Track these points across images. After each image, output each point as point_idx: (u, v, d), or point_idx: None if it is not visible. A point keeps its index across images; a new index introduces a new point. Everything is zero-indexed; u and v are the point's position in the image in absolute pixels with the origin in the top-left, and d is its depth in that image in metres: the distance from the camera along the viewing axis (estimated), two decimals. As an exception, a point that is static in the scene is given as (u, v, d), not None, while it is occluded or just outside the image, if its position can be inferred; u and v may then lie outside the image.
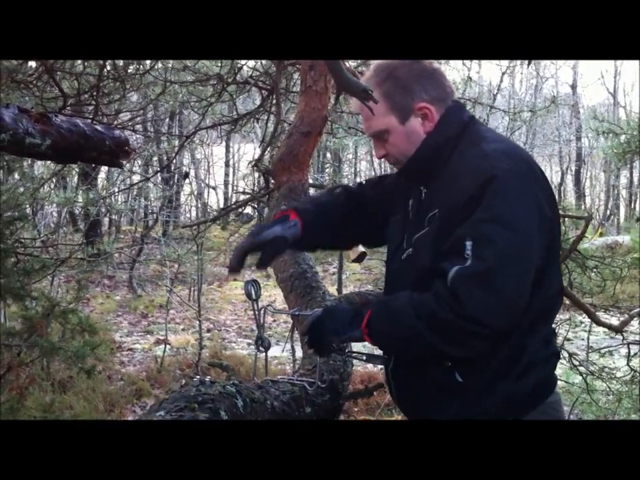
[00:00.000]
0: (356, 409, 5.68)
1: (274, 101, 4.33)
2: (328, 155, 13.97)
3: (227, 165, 17.03)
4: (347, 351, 2.47)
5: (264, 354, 2.33)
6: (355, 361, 2.58)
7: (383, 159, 1.70)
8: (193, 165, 14.72)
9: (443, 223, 1.41)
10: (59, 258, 4.18)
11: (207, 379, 1.73)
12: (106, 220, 13.27)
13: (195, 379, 1.73)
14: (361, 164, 17.59)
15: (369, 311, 1.53)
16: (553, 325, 1.56)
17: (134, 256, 10.51)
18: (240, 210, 4.72)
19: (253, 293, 2.35)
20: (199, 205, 16.05)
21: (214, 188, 16.90)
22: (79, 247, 4.63)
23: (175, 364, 7.36)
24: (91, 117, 4.27)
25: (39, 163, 6.43)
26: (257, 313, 2.37)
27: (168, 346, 8.01)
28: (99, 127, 1.38)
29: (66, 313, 3.28)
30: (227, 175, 17.20)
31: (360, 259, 2.83)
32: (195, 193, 15.41)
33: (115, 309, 10.28)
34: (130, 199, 12.37)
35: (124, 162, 1.46)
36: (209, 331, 9.53)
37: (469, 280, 1.33)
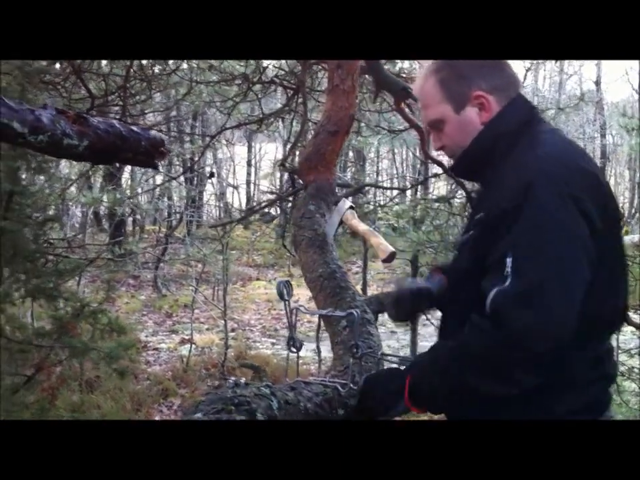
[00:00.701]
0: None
1: (299, 100, 4.31)
2: (350, 153, 13.93)
3: (249, 164, 17.07)
4: (379, 353, 2.44)
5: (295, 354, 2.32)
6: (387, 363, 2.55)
7: (439, 152, 1.62)
8: (215, 164, 14.77)
9: (485, 228, 1.31)
10: (87, 258, 4.21)
11: (241, 380, 1.71)
12: (130, 220, 13.37)
13: (230, 381, 1.71)
14: (383, 162, 17.54)
15: (407, 379, 1.44)
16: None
17: (158, 255, 10.57)
18: (266, 210, 4.71)
19: (285, 293, 2.33)
20: (221, 205, 16.10)
21: (236, 187, 16.96)
22: (105, 247, 4.64)
23: (200, 363, 7.39)
24: (117, 117, 4.29)
25: (63, 163, 6.50)
26: (288, 313, 2.36)
27: (193, 345, 8.05)
28: (134, 128, 1.38)
29: (95, 313, 3.30)
30: (249, 174, 17.24)
31: (390, 258, 2.81)
32: (218, 192, 15.46)
33: (140, 308, 10.36)
34: (154, 199, 12.44)
35: (159, 163, 1.45)
36: (233, 330, 9.56)
37: (508, 301, 1.21)
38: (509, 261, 1.22)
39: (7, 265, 2.25)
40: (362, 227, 3.10)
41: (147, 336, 8.88)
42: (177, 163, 11.53)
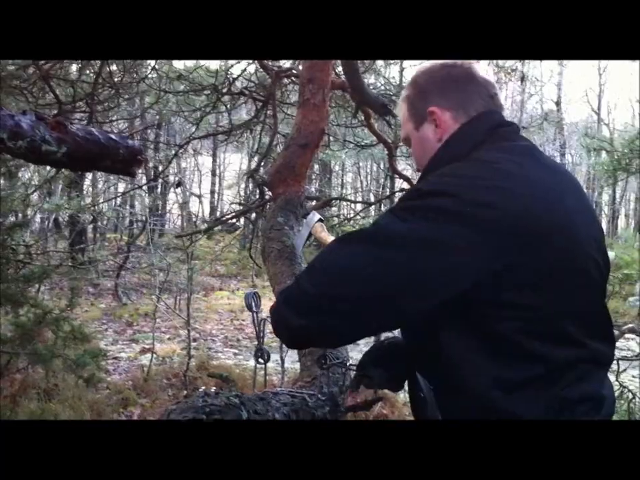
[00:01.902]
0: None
1: (269, 112, 4.34)
2: (316, 166, 13.99)
3: (213, 174, 17.00)
4: (347, 364, 2.48)
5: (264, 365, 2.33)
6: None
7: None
8: (179, 173, 14.68)
9: None
10: (50, 265, 4.14)
11: (212, 390, 1.72)
12: (91, 227, 13.18)
13: (200, 390, 1.72)
14: (347, 176, 17.68)
15: None
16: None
17: (120, 264, 10.43)
18: (227, 220, 4.71)
19: (254, 304, 2.35)
20: (185, 214, 16.00)
21: (200, 197, 16.86)
22: (68, 254, 4.57)
23: (161, 373, 7.30)
24: (84, 124, 4.26)
25: (25, 169, 6.40)
26: (257, 324, 2.37)
27: (154, 355, 7.94)
28: (113, 136, 1.38)
29: (58, 321, 3.25)
30: (213, 184, 17.18)
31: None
32: (181, 201, 15.36)
33: (100, 316, 10.20)
34: (115, 206, 12.30)
35: (136, 171, 1.46)
36: (195, 340, 9.47)
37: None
38: None
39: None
40: (330, 239, 3.14)
41: (106, 344, 8.74)
42: (141, 171, 11.44)
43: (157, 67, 4.16)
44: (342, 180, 16.91)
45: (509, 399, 1.15)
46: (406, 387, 1.47)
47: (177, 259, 8.19)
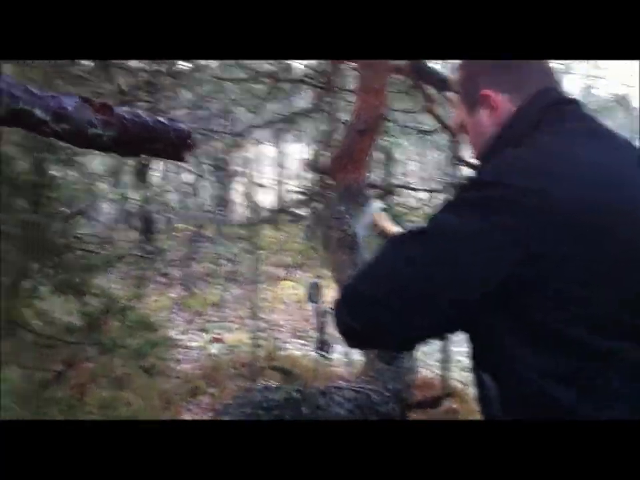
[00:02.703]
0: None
1: (329, 99, 4.25)
2: (381, 155, 13.80)
3: (277, 164, 17.07)
4: (413, 358, 2.36)
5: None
6: (423, 367, 2.48)
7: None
8: (244, 164, 14.79)
9: None
10: (117, 254, 4.18)
11: (271, 383, 1.65)
12: (161, 218, 13.43)
13: (260, 384, 1.65)
14: (412, 164, 17.38)
15: None
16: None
17: (188, 254, 10.59)
18: (290, 210, 4.64)
19: (315, 294, 2.27)
20: (250, 204, 16.09)
21: (264, 187, 16.92)
22: (135, 244, 4.61)
23: (229, 362, 7.36)
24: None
25: (93, 158, 6.50)
26: (318, 315, 2.29)
27: (223, 344, 8.03)
28: (161, 119, 1.32)
29: (124, 310, 3.27)
30: (278, 174, 17.24)
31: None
32: (246, 192, 15.47)
33: (170, 306, 10.37)
34: (183, 197, 12.48)
35: (186, 156, 1.39)
36: (262, 330, 9.52)
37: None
38: None
39: (36, 259, 2.23)
40: (393, 228, 3.01)
41: (176, 334, 8.88)
42: (207, 161, 11.56)
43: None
44: (406, 169, 16.62)
45: (563, 391, 1.09)
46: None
47: (241, 248, 8.19)
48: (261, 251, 12.24)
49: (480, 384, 1.21)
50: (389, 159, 13.56)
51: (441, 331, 1.26)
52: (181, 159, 1.38)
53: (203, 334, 8.88)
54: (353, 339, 1.24)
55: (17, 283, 2.10)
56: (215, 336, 8.02)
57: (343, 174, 3.50)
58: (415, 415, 4.91)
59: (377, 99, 3.52)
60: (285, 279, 12.85)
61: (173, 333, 8.75)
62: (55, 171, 2.32)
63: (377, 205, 3.23)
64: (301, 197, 4.02)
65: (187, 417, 5.72)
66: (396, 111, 4.97)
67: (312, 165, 3.88)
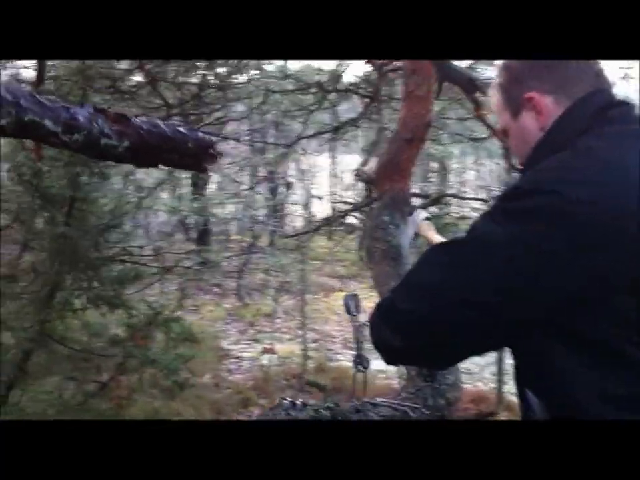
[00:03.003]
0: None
1: (375, 108, 4.18)
2: (433, 163, 13.61)
3: (332, 175, 17.07)
4: (457, 374, 2.27)
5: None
6: (466, 378, 2.38)
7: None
8: (297, 174, 14.84)
9: None
10: (165, 266, 4.23)
11: (298, 402, 1.59)
12: (214, 229, 13.59)
13: (285, 401, 1.60)
14: (468, 174, 17.07)
15: None
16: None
17: (241, 265, 10.68)
18: (342, 220, 4.60)
19: (353, 307, 2.20)
20: (305, 215, 16.13)
21: (320, 198, 16.95)
22: (185, 255, 4.66)
23: (280, 374, 7.34)
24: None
25: (143, 170, 6.63)
26: (356, 329, 2.22)
27: (274, 355, 8.03)
28: (181, 129, 1.29)
29: (168, 322, 3.27)
30: (332, 185, 17.22)
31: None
32: (300, 203, 15.50)
33: (224, 316, 10.46)
34: (237, 208, 12.58)
35: (209, 166, 1.35)
36: (314, 341, 9.49)
37: None
38: None
39: (69, 272, 2.24)
40: (438, 238, 2.92)
41: (229, 344, 8.94)
42: (262, 172, 11.63)
43: (263, 66, 4.14)
44: (461, 178, 16.31)
45: (620, 414, 1.01)
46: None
47: (294, 259, 8.18)
48: (315, 262, 12.25)
49: (525, 406, 1.12)
50: (443, 168, 13.37)
51: (486, 349, 1.19)
52: (203, 170, 1.34)
53: (255, 344, 8.91)
54: (390, 355, 1.18)
55: (53, 294, 2.13)
56: (266, 346, 8.01)
57: (388, 183, 3.42)
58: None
59: (423, 107, 3.42)
60: (339, 290, 12.81)
61: (225, 344, 8.82)
62: (88, 184, 2.35)
63: (421, 214, 3.15)
64: (351, 207, 3.97)
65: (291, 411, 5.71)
66: (447, 118, 4.87)
67: (360, 175, 3.82)
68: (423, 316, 1.07)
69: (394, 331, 1.10)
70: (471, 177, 17.22)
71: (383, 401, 2.13)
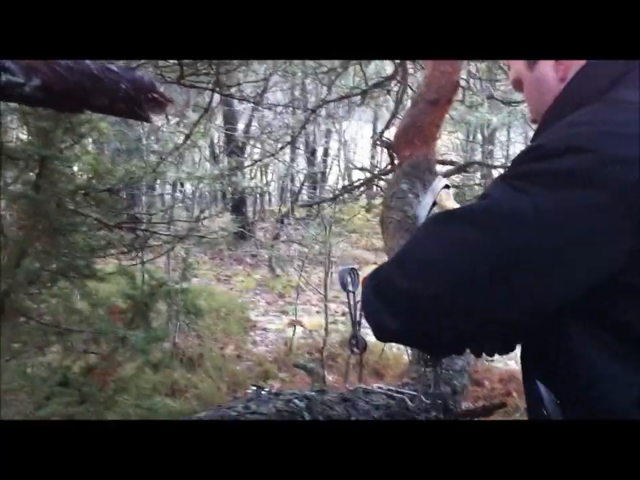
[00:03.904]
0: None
1: (402, 71, 3.89)
2: (479, 135, 13.11)
3: (373, 145, 16.73)
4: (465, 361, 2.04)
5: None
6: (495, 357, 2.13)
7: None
8: (333, 142, 14.54)
9: None
10: (177, 235, 4.06)
11: (264, 391, 1.38)
12: (253, 200, 13.46)
13: (250, 390, 1.39)
14: (515, 146, 16.47)
15: None
16: None
17: (274, 235, 10.54)
18: (362, 189, 4.36)
19: (350, 283, 1.97)
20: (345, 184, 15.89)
21: (361, 169, 16.66)
22: (194, 225, 4.49)
23: (305, 347, 7.19)
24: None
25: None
26: (352, 306, 2.00)
27: (301, 328, 7.86)
28: (112, 67, 1.07)
29: (170, 293, 3.10)
30: (372, 156, 16.88)
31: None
32: (342, 173, 15.22)
33: (254, 287, 10.37)
34: (272, 178, 12.43)
35: (153, 114, 1.13)
36: (343, 314, 9.31)
37: None
38: None
39: (37, 239, 2.08)
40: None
41: (257, 315, 8.83)
42: (302, 141, 11.36)
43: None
44: (507, 152, 15.73)
45: None
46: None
47: (328, 230, 7.94)
48: (352, 234, 12.03)
49: (534, 400, 0.96)
50: (490, 139, 12.89)
51: (499, 338, 1.05)
52: (143, 118, 1.12)
53: (283, 316, 8.77)
54: (384, 335, 1.02)
55: (19, 262, 1.98)
56: (293, 319, 7.85)
57: (410, 149, 3.15)
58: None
59: (450, 66, 3.13)
60: (373, 263, 12.59)
61: (253, 315, 8.71)
62: (63, 142, 2.16)
63: (441, 181, 2.87)
64: (372, 175, 3.72)
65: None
66: (477, 79, 4.52)
67: (381, 141, 3.56)
68: (427, 297, 0.90)
69: (392, 313, 0.95)
70: (518, 150, 16.59)
71: (378, 387, 1.90)
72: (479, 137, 13.17)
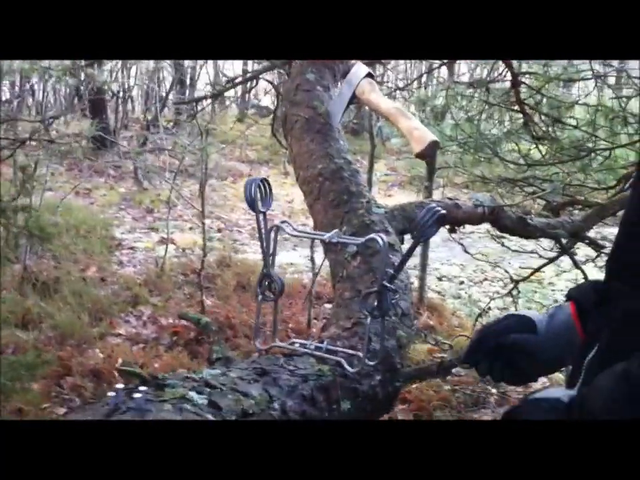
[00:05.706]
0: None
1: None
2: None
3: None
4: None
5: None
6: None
7: None
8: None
9: None
10: (17, 139, 3.21)
11: (138, 393, 0.81)
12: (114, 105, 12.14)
13: (110, 394, 0.81)
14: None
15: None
16: None
17: (140, 145, 9.52)
18: (254, 86, 3.68)
19: (260, 200, 1.38)
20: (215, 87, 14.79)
21: (232, 80, 15.61)
22: (39, 126, 3.62)
23: (177, 268, 6.52)
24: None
25: None
26: (263, 232, 1.41)
27: (172, 246, 7.16)
28: None
29: (6, 212, 2.36)
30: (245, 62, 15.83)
31: (429, 151, 1.83)
32: (212, 80, 14.10)
33: (119, 202, 9.41)
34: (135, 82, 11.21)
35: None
36: (219, 230, 8.68)
37: None
38: None
39: None
40: (386, 103, 2.08)
41: (122, 233, 7.98)
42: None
43: None
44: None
45: None
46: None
47: (197, 140, 7.13)
48: (224, 145, 11.20)
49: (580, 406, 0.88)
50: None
51: None
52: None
53: (152, 233, 7.98)
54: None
55: None
56: (164, 237, 7.11)
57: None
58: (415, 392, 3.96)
59: None
60: (247, 175, 11.91)
61: (118, 232, 7.86)
62: None
63: (361, 69, 2.30)
64: (263, 67, 3.05)
65: (122, 330, 4.91)
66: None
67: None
68: None
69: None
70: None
71: (301, 345, 1.37)
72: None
